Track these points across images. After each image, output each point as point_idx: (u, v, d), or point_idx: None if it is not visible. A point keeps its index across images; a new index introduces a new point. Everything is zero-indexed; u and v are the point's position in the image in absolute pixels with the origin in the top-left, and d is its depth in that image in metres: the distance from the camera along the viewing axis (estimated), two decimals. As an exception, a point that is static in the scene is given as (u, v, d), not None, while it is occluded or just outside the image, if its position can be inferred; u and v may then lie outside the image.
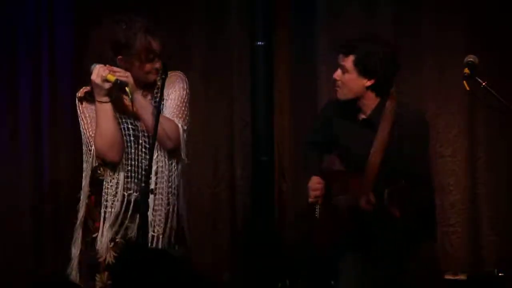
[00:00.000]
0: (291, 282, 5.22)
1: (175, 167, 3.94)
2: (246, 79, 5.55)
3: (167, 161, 3.91)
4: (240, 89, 5.58)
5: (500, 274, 4.88)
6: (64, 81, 5.46)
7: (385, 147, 4.06)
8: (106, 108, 3.80)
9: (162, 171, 3.89)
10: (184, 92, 3.96)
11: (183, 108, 3.94)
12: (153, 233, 3.87)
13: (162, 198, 3.89)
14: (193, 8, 5.60)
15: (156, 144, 3.82)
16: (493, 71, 4.95)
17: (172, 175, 3.92)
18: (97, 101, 3.81)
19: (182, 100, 3.95)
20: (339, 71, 4.11)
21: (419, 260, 4.17)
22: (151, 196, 3.82)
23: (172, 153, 3.92)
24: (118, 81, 3.75)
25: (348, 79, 4.09)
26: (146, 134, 3.91)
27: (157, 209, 3.88)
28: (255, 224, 5.47)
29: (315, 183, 4.26)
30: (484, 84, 3.91)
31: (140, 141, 3.91)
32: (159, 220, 3.88)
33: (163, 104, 3.92)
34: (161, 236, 3.88)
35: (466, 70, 3.92)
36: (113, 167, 3.89)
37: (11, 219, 5.49)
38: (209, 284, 5.15)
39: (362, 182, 4.03)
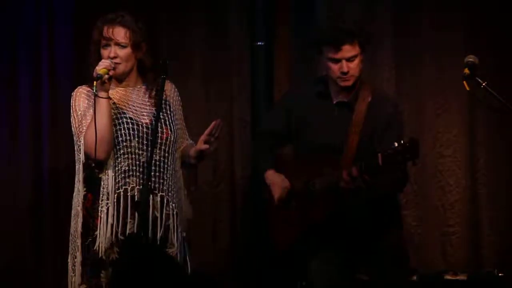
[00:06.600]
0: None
1: (172, 162, 4.00)
2: (246, 79, 5.55)
3: (164, 155, 3.97)
4: (240, 89, 5.58)
5: (500, 274, 4.88)
6: (64, 81, 5.45)
7: (361, 129, 4.16)
8: (102, 103, 3.85)
9: (158, 164, 3.94)
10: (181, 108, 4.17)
11: (184, 125, 4.20)
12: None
13: (155, 193, 3.94)
14: (193, 8, 5.59)
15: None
16: (493, 71, 4.96)
17: (166, 172, 3.97)
18: (96, 95, 3.85)
19: (182, 118, 4.18)
20: (345, 64, 4.15)
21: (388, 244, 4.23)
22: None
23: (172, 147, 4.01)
24: (97, 74, 3.84)
25: (358, 63, 4.20)
26: (146, 128, 3.94)
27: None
28: (255, 224, 5.46)
29: (282, 181, 4.30)
30: (484, 84, 3.92)
31: (141, 134, 3.94)
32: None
33: (164, 104, 4.00)
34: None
35: (466, 70, 3.94)
36: (100, 165, 3.91)
37: (11, 219, 5.49)
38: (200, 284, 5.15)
39: (337, 164, 4.09)
